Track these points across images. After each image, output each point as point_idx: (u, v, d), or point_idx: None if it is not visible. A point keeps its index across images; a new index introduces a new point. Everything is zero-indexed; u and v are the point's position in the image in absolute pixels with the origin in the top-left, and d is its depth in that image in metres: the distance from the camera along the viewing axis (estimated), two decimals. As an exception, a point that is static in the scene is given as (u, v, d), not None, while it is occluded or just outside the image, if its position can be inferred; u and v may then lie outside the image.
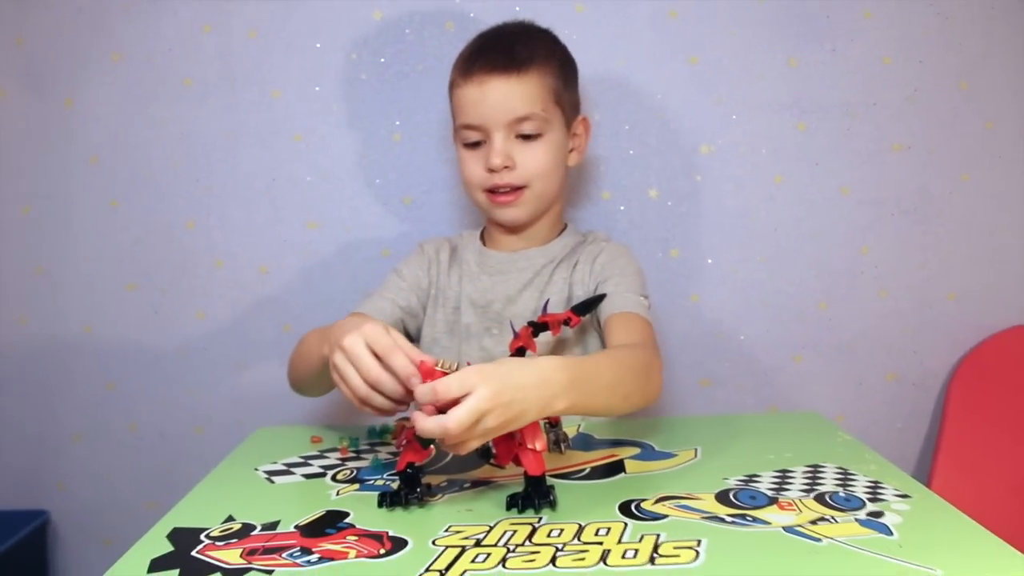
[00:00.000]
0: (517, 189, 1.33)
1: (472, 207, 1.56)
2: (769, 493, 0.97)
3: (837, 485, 0.99)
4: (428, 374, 0.92)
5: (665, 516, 0.91)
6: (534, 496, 0.94)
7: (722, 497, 0.96)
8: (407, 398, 0.96)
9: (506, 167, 1.31)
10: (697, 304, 1.67)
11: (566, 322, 1.21)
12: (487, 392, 0.86)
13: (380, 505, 0.97)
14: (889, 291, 1.68)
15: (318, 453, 1.19)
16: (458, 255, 1.45)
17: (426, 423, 0.86)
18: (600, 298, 1.30)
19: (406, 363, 0.93)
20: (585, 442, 1.20)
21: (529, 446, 0.93)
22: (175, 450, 1.73)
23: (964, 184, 1.67)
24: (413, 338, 1.43)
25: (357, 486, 1.05)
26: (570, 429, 1.24)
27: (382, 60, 1.64)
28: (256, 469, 1.12)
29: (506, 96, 1.29)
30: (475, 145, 1.34)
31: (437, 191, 1.67)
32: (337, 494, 1.02)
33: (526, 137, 1.31)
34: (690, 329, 1.63)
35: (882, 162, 1.66)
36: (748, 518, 0.90)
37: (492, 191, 1.34)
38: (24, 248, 1.70)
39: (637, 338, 1.21)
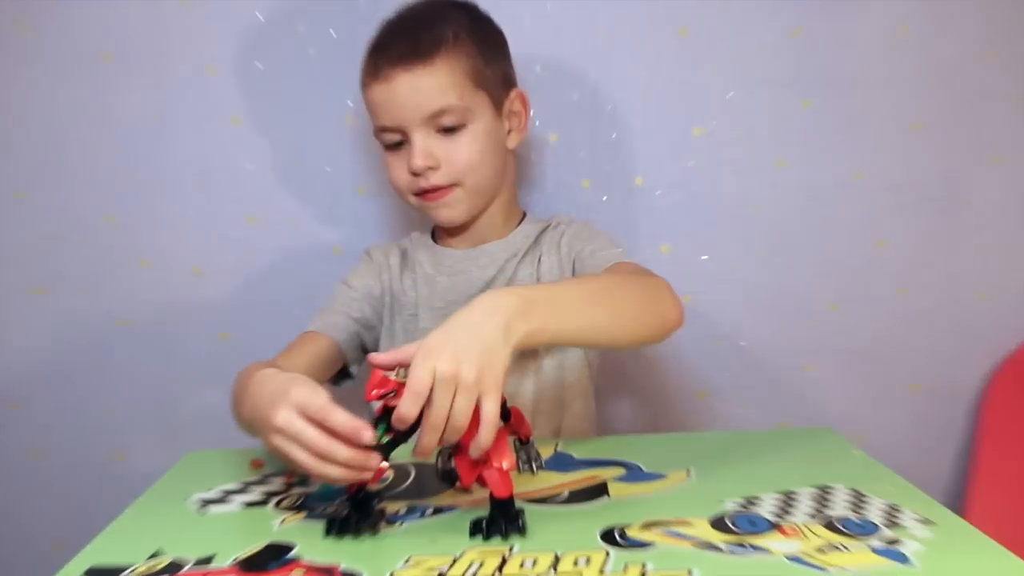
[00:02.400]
0: (447, 188, 1.36)
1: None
2: (771, 517, 0.97)
3: (849, 508, 1.00)
4: (380, 383, 0.94)
5: (652, 544, 0.91)
6: (501, 520, 0.95)
7: (717, 522, 0.96)
8: (365, 460, 0.93)
9: (430, 167, 1.33)
10: (691, 306, 1.60)
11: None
12: (426, 344, 0.91)
13: (328, 533, 0.97)
14: (910, 289, 1.69)
15: (259, 478, 1.19)
16: (409, 258, 1.48)
17: (400, 408, 0.89)
18: None
19: (347, 418, 0.92)
20: (563, 462, 1.20)
21: (495, 464, 0.94)
22: (91, 481, 1.72)
23: (994, 167, 1.67)
24: (371, 352, 1.43)
25: (304, 514, 1.05)
26: (546, 449, 1.25)
27: (332, 33, 1.64)
28: (187, 499, 1.12)
29: (415, 91, 1.30)
30: (397, 146, 1.36)
31: (395, 180, 1.67)
32: (281, 523, 1.02)
33: (448, 130, 1.33)
34: (684, 335, 1.61)
35: (899, 143, 1.66)
36: (746, 546, 0.90)
37: (421, 193, 1.37)
38: (-85, 248, 1.68)
39: (634, 272, 1.26)
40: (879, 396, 1.71)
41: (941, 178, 1.68)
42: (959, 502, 1.66)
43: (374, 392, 0.94)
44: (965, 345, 1.70)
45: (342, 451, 0.92)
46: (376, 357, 0.96)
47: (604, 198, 1.68)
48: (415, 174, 1.34)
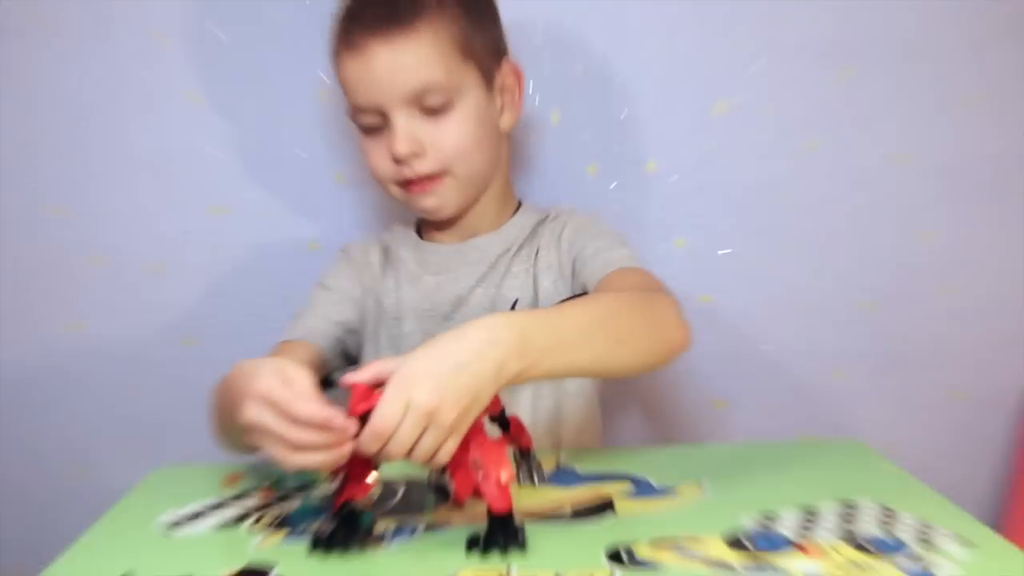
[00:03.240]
0: (434, 177, 1.36)
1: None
2: (790, 535, 1.00)
3: (876, 525, 1.02)
4: (363, 397, 0.95)
5: (661, 564, 0.93)
6: (500, 536, 0.98)
7: (732, 540, 0.99)
8: (336, 444, 0.97)
9: (414, 154, 1.33)
10: (710, 306, 1.69)
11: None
12: (407, 367, 0.92)
13: (314, 548, 1.01)
14: (954, 288, 1.70)
15: (234, 496, 1.22)
16: (392, 255, 1.48)
17: (360, 438, 0.92)
18: (580, 296, 1.33)
19: (313, 408, 0.94)
20: (566, 476, 1.23)
21: (493, 477, 0.98)
22: (48, 499, 1.73)
23: None
24: (355, 359, 1.47)
25: (284, 533, 1.08)
26: (548, 462, 1.27)
27: None
28: (155, 518, 1.15)
29: (394, 65, 1.29)
30: (376, 129, 1.36)
31: (376, 165, 1.66)
32: (259, 543, 1.05)
33: (434, 111, 1.33)
34: (701, 338, 1.54)
35: (947, 121, 1.67)
36: (764, 565, 0.92)
37: (405, 184, 1.37)
38: None
39: (635, 287, 1.26)
40: (916, 405, 1.72)
41: (992, 161, 1.68)
42: (999, 518, 1.68)
43: (359, 408, 0.95)
44: (1012, 350, 1.71)
45: (317, 439, 0.95)
46: (351, 377, 0.96)
47: (612, 185, 1.68)
48: (398, 162, 1.34)
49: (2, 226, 1.70)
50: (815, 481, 1.19)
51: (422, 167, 1.35)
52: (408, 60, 1.30)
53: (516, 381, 0.99)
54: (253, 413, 0.97)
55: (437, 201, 1.39)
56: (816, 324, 1.72)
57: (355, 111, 1.36)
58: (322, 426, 0.94)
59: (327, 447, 0.95)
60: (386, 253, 1.51)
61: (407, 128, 1.32)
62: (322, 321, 1.44)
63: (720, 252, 1.71)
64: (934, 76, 1.67)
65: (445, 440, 0.94)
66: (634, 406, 1.80)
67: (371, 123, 1.36)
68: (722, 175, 1.69)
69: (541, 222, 1.48)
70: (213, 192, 1.70)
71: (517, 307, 1.34)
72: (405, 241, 1.51)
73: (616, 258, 1.35)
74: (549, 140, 1.67)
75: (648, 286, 1.27)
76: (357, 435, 0.94)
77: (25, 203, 1.70)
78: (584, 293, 1.34)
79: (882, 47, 1.66)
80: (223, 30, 1.66)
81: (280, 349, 1.39)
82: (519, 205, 1.52)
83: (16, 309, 1.72)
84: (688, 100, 1.68)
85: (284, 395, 0.95)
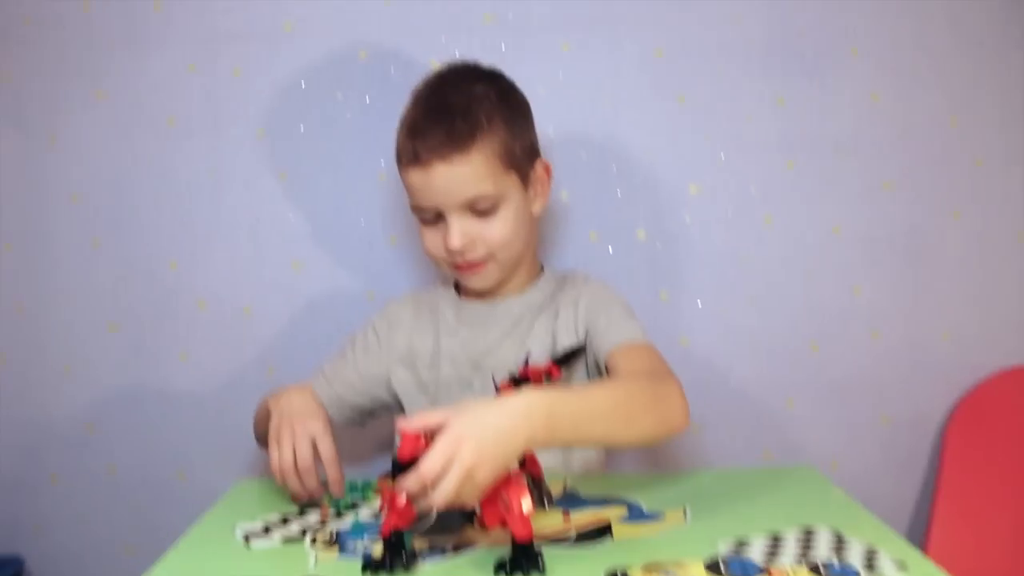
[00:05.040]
0: (481, 263, 1.29)
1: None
2: (760, 561, 0.93)
3: (831, 551, 0.96)
4: (411, 443, 0.89)
5: None
6: (523, 560, 0.91)
7: (712, 566, 0.92)
8: (313, 494, 1.18)
9: (465, 247, 1.26)
10: (687, 347, 1.64)
11: (548, 375, 1.18)
12: (456, 427, 0.87)
13: (364, 570, 0.93)
14: (882, 331, 1.66)
15: (297, 511, 1.15)
16: (433, 309, 1.41)
17: (404, 481, 0.87)
18: (581, 349, 1.28)
19: (339, 475, 1.18)
20: (571, 500, 1.16)
21: (516, 510, 0.91)
22: (156, 495, 1.69)
23: (955, 222, 1.65)
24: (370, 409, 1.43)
25: (336, 552, 1.00)
26: (555, 484, 1.20)
27: (367, 99, 1.62)
28: (233, 529, 1.08)
29: (452, 180, 1.23)
30: (432, 221, 1.29)
31: (423, 232, 1.64)
32: (315, 561, 0.98)
33: (482, 212, 1.26)
34: (680, 373, 1.56)
35: (873, 200, 1.64)
36: None
37: (455, 265, 1.31)
38: (4, 287, 1.67)
39: (644, 364, 1.19)
40: (853, 427, 1.67)
41: (910, 231, 1.65)
42: (924, 523, 1.63)
43: (406, 454, 0.89)
44: (930, 382, 1.67)
45: (312, 482, 1.17)
46: (406, 425, 0.91)
47: (609, 249, 1.64)
48: (450, 252, 1.27)
49: (135, 275, 1.67)
50: (778, 507, 1.12)
51: (472, 256, 1.28)
52: (463, 176, 1.23)
53: (538, 448, 0.97)
54: (306, 428, 1.19)
55: (481, 281, 1.33)
56: (773, 361, 1.67)
57: (415, 208, 1.29)
58: (330, 485, 1.19)
59: (305, 492, 1.18)
60: (428, 307, 1.42)
61: (460, 227, 1.25)
62: (336, 405, 1.36)
63: (696, 303, 1.66)
64: (860, 165, 1.64)
65: (479, 494, 0.90)
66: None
67: (429, 218, 1.29)
68: (696, 242, 1.65)
69: (560, 287, 1.39)
70: (293, 250, 1.66)
71: (529, 360, 1.26)
72: (446, 298, 1.43)
73: (626, 331, 1.26)
74: (560, 213, 1.62)
75: (655, 367, 1.20)
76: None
77: (152, 258, 1.66)
78: (581, 346, 1.30)
79: (819, 143, 1.64)
80: (305, 124, 1.64)
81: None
82: (541, 269, 1.43)
83: (141, 341, 1.68)
84: (669, 182, 1.64)
85: (330, 451, 1.19)
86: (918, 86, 1.63)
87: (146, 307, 1.67)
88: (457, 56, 1.52)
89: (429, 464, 0.85)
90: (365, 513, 1.14)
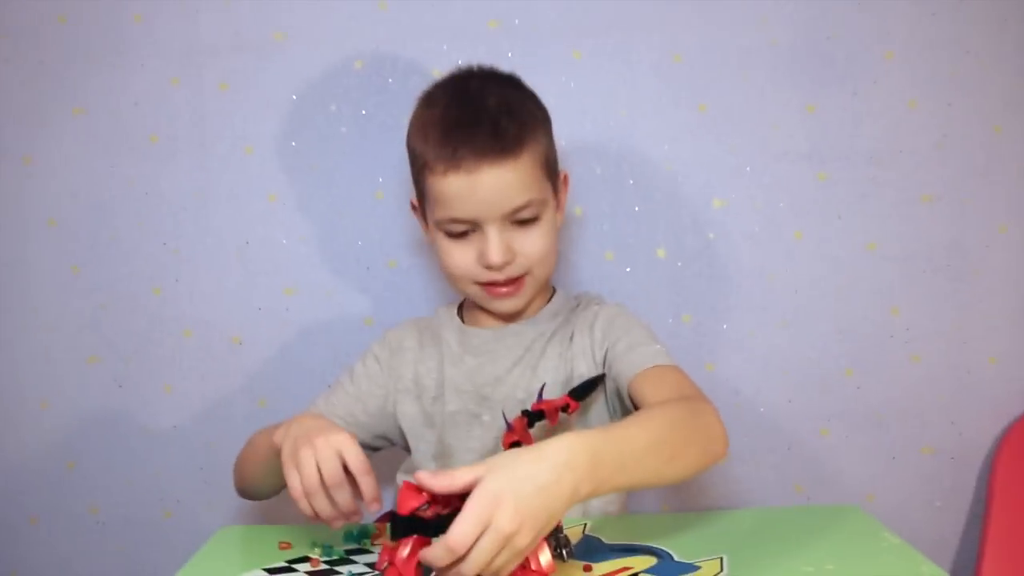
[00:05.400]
0: (519, 279, 1.19)
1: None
2: None
3: None
4: (410, 495, 0.80)
5: None
6: None
7: None
8: (351, 514, 0.96)
9: (507, 262, 1.16)
10: (712, 373, 1.56)
11: (564, 408, 1.08)
12: (491, 486, 0.75)
13: None
14: (922, 356, 1.58)
15: (285, 565, 1.03)
16: (436, 337, 1.31)
17: (429, 554, 0.75)
18: (600, 378, 1.17)
19: (375, 488, 0.94)
20: (592, 548, 1.04)
21: (534, 567, 0.81)
22: (141, 536, 1.62)
23: (1001, 236, 1.56)
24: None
25: None
26: (574, 531, 1.09)
27: (363, 112, 1.55)
28: None
29: (501, 186, 1.12)
30: (462, 234, 1.18)
31: (424, 253, 1.55)
32: None
33: (524, 222, 1.16)
34: None
35: (911, 214, 1.56)
36: None
37: (487, 284, 1.19)
38: (-23, 318, 1.61)
39: (674, 389, 1.08)
40: (892, 458, 1.59)
41: (951, 247, 1.57)
42: (969, 558, 1.55)
43: (408, 507, 0.80)
44: (975, 409, 1.58)
45: (345, 495, 0.94)
46: (425, 479, 0.79)
47: (627, 269, 1.56)
48: (489, 267, 1.16)
49: (117, 303, 1.60)
50: (825, 555, 0.99)
51: (511, 271, 1.17)
52: (512, 182, 1.13)
53: (582, 500, 0.82)
54: (323, 443, 0.94)
55: (515, 303, 1.22)
56: (804, 387, 1.59)
57: (447, 221, 1.17)
58: (366, 500, 0.95)
59: (340, 507, 0.95)
60: (430, 334, 1.32)
61: (501, 239, 1.15)
62: (356, 404, 1.28)
63: (722, 326, 1.59)
64: (897, 176, 1.56)
65: (519, 562, 0.79)
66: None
67: (460, 231, 1.17)
68: (721, 260, 1.58)
69: (573, 310, 1.29)
70: (285, 275, 1.59)
71: (544, 393, 1.15)
72: (449, 324, 1.31)
73: (650, 354, 1.15)
74: (574, 231, 1.55)
75: (686, 392, 1.07)
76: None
77: (134, 284, 1.60)
78: (600, 376, 1.19)
79: (852, 153, 1.56)
80: (297, 140, 1.57)
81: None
82: (553, 291, 1.33)
83: (123, 375, 1.61)
84: (691, 197, 1.57)
85: (362, 463, 0.95)
86: (959, 92, 1.55)
87: (129, 337, 1.60)
88: (460, 64, 1.43)
89: (460, 532, 0.73)
90: (361, 563, 1.03)
